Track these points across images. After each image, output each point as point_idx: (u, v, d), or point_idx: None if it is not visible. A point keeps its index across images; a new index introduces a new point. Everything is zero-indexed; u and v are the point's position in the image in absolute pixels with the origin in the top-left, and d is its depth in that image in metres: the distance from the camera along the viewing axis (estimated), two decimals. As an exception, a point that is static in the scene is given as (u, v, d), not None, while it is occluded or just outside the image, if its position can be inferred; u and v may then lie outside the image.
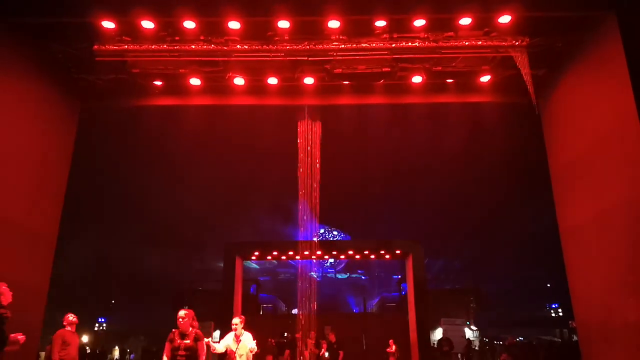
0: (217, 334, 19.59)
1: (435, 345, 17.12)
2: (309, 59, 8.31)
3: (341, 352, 13.62)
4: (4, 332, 5.23)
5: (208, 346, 6.34)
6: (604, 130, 7.45)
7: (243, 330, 7.55)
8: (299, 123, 9.09)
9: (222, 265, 17.16)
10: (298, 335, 15.01)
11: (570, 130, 8.57)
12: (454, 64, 8.46)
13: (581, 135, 8.14)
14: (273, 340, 16.15)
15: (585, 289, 8.16)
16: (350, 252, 17.90)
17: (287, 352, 15.25)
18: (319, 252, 17.72)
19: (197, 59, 8.34)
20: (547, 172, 9.39)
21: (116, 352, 37.60)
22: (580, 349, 8.29)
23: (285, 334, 15.96)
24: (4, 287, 5.56)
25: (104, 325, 48.02)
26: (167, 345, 5.78)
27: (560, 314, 49.60)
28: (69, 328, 7.81)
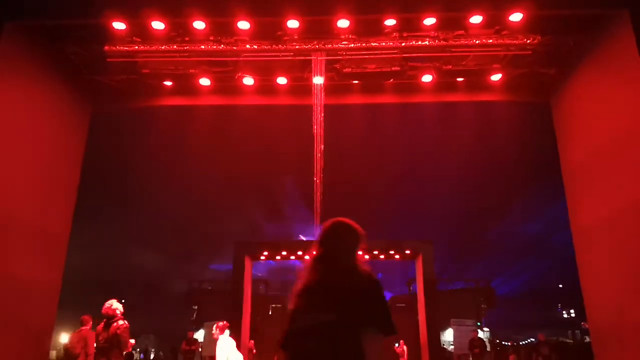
0: (226, 333, 19.69)
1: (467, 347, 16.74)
2: (318, 58, 8.30)
3: None
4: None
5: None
6: (616, 129, 7.35)
7: (220, 335, 7.85)
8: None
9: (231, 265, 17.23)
10: None
11: (582, 129, 8.47)
12: (464, 63, 8.39)
13: (593, 134, 8.04)
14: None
15: (598, 290, 8.06)
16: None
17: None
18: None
19: (206, 59, 8.38)
20: (559, 171, 9.29)
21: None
22: (593, 350, 8.19)
23: None
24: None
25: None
26: None
27: (573, 314, 49.11)
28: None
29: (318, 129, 8.83)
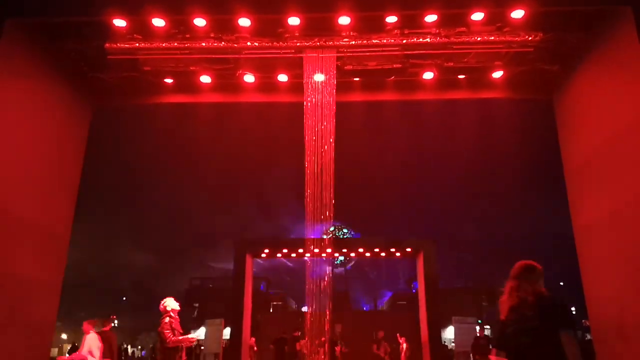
0: (227, 331, 19.69)
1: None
2: (320, 55, 8.28)
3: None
4: None
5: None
6: (619, 127, 7.32)
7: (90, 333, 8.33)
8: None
9: (232, 262, 17.21)
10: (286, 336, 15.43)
11: (584, 126, 8.44)
12: (465, 60, 8.36)
13: (596, 131, 8.02)
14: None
15: (599, 288, 8.04)
16: (361, 250, 17.85)
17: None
18: (329, 250, 17.68)
19: (207, 56, 8.35)
20: (561, 169, 9.27)
21: (129, 349, 37.96)
22: (595, 348, 8.18)
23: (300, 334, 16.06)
24: None
25: (116, 322, 48.50)
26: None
27: (574, 313, 49.11)
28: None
29: (329, 125, 8.82)
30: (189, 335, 7.22)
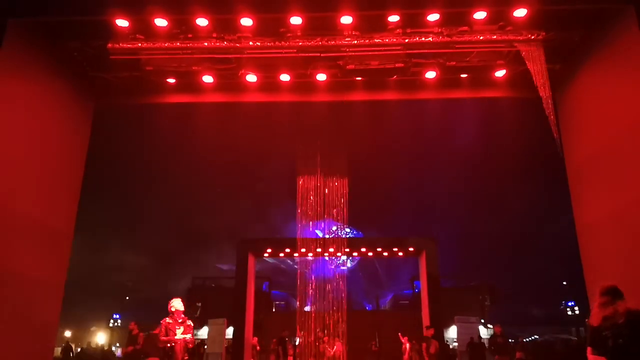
0: (230, 330, 19.72)
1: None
2: (322, 55, 8.28)
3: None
4: None
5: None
6: (622, 125, 7.30)
7: None
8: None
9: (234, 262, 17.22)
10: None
11: (587, 125, 8.42)
12: (468, 59, 8.35)
13: (599, 130, 8.00)
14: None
15: (602, 287, 8.02)
16: (363, 250, 17.87)
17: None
18: (331, 250, 17.70)
19: (209, 56, 8.36)
20: (563, 168, 9.25)
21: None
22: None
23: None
24: None
25: (119, 321, 48.55)
26: None
27: (577, 311, 48.96)
28: None
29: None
30: (177, 337, 7.24)
